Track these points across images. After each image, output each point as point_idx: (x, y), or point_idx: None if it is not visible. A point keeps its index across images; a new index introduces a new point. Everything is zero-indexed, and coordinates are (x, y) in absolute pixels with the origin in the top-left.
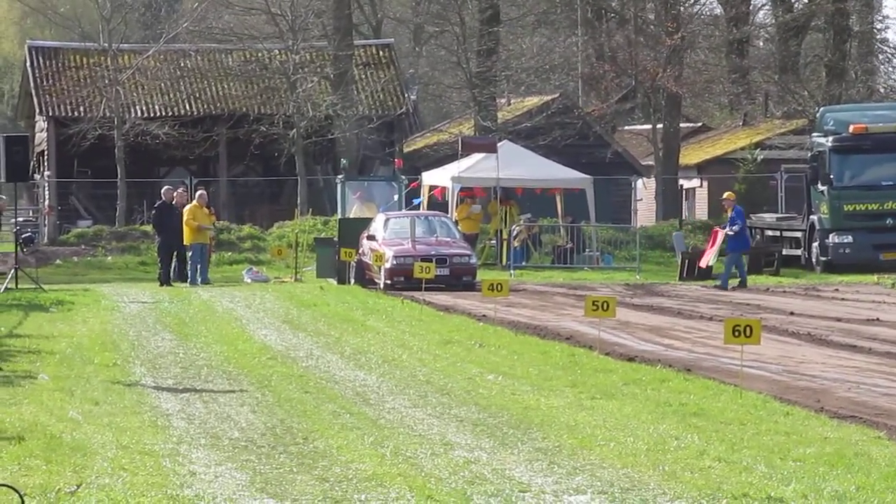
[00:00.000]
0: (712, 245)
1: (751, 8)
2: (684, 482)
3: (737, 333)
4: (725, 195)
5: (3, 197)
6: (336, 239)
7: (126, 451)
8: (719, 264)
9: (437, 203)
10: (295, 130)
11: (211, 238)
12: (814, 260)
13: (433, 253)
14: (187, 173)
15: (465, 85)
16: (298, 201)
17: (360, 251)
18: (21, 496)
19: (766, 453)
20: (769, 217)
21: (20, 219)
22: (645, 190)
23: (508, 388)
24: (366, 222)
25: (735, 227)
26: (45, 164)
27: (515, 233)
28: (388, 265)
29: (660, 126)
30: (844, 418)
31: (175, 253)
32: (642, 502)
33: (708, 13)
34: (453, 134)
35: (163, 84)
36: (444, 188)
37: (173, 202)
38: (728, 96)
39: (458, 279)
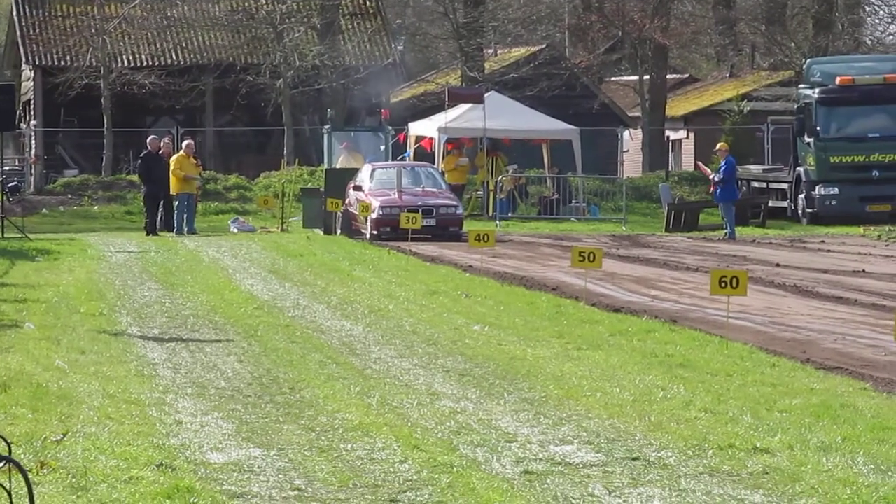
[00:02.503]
0: (705, 171)
1: None
2: (670, 433)
3: (723, 285)
4: (719, 146)
5: None
6: (322, 189)
7: (112, 400)
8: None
9: (425, 154)
10: (282, 80)
11: (197, 188)
12: (800, 211)
13: (419, 203)
14: (174, 123)
15: (452, 35)
16: (285, 151)
17: (347, 201)
18: (7, 444)
19: (751, 404)
20: (755, 168)
21: (6, 168)
22: (631, 141)
23: (494, 339)
24: (352, 173)
25: (716, 176)
26: (32, 113)
27: (502, 184)
28: (374, 215)
29: (646, 77)
30: (830, 369)
31: (161, 202)
32: (628, 452)
33: None
34: (440, 84)
35: (149, 34)
36: (431, 139)
37: (159, 152)
38: (715, 48)
39: (445, 229)
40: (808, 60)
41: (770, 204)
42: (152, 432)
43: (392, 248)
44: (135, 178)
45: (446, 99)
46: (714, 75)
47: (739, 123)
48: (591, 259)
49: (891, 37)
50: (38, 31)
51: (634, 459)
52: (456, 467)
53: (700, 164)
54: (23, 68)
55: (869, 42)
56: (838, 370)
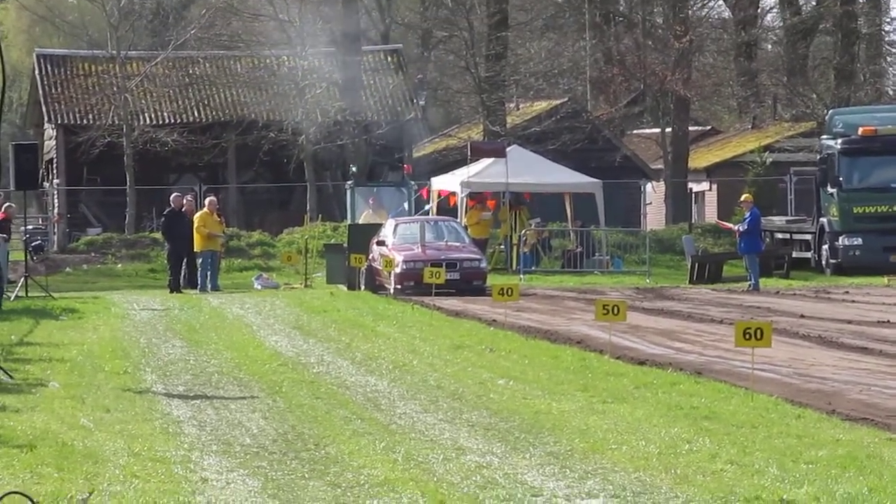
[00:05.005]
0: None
1: (759, 11)
2: (696, 485)
3: (747, 336)
4: (743, 197)
5: (13, 205)
6: (346, 245)
7: (138, 459)
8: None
9: (447, 209)
10: (304, 136)
11: (221, 245)
12: (824, 262)
13: (443, 257)
14: (197, 180)
15: (474, 90)
16: (308, 207)
17: (371, 257)
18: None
19: (777, 456)
20: (779, 220)
21: (30, 227)
22: (654, 193)
23: (519, 393)
24: (375, 228)
25: (740, 228)
26: (55, 171)
27: (525, 238)
28: (397, 270)
29: (669, 129)
30: (856, 420)
31: (185, 260)
32: None
33: (716, 16)
34: (462, 139)
35: (171, 91)
36: (454, 194)
37: (182, 209)
38: (737, 99)
39: (469, 283)
40: (831, 111)
41: (794, 255)
42: (178, 490)
43: (416, 303)
44: (158, 235)
45: (469, 153)
46: (736, 127)
47: (762, 175)
48: (616, 312)
49: None
50: (60, 89)
51: None
52: None
53: (719, 220)
54: (45, 127)
55: (891, 92)
56: (864, 421)
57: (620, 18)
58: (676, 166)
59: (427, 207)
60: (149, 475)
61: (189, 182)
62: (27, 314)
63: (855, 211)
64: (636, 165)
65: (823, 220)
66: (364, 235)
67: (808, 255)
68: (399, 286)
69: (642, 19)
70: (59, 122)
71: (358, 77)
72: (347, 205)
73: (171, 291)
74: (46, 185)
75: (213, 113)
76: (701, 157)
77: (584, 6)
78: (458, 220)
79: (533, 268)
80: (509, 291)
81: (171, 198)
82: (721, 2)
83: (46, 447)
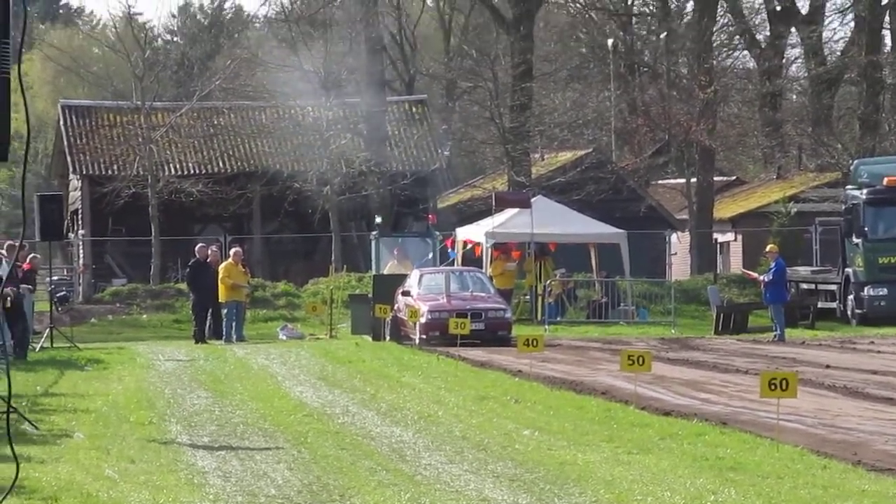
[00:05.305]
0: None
1: (784, 61)
2: None
3: (773, 387)
4: (769, 247)
5: (38, 256)
6: (370, 295)
7: None
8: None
9: (472, 259)
10: (329, 187)
11: (246, 295)
12: (849, 312)
13: (468, 307)
14: (221, 230)
15: (499, 140)
16: (333, 258)
17: (396, 307)
18: None
19: None
20: (804, 270)
21: (55, 278)
22: (679, 244)
23: (545, 444)
24: (400, 278)
25: (766, 278)
26: (80, 222)
27: (550, 288)
28: (423, 320)
29: (693, 180)
30: (882, 471)
31: (210, 310)
32: None
33: (741, 66)
34: (487, 189)
35: (196, 142)
36: (479, 244)
37: (207, 260)
38: (761, 149)
39: (494, 333)
40: (855, 161)
41: (819, 305)
42: None
43: (441, 354)
44: (183, 286)
45: (493, 204)
46: (761, 177)
47: (787, 225)
48: (641, 362)
49: None
50: (84, 140)
51: None
52: None
53: (745, 270)
54: (70, 178)
55: None
56: (890, 472)
57: (645, 69)
58: (701, 216)
59: (451, 256)
60: None
61: (214, 232)
62: (52, 365)
63: (880, 261)
64: (661, 216)
65: (849, 270)
66: (389, 286)
67: (834, 305)
68: (424, 336)
69: (667, 70)
70: (83, 172)
71: (382, 127)
72: (372, 255)
73: (196, 342)
74: (71, 235)
75: (238, 163)
76: (726, 208)
77: (608, 57)
78: (483, 270)
79: (558, 318)
80: (534, 342)
81: (196, 248)
82: (746, 52)
83: (71, 498)
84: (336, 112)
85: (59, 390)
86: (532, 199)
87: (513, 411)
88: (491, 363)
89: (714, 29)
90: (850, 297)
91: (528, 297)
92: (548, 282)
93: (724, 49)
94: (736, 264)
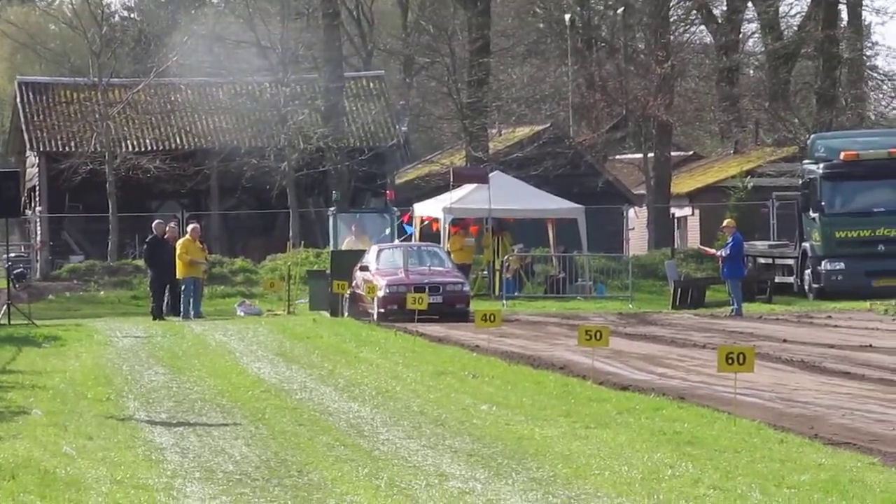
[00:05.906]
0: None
1: (741, 36)
2: None
3: (730, 361)
4: (725, 222)
5: None
6: (328, 271)
7: (120, 486)
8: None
9: (430, 234)
10: (286, 163)
11: (203, 272)
12: (806, 287)
13: (426, 281)
14: (179, 207)
15: (456, 116)
16: (290, 234)
17: (353, 283)
18: None
19: (760, 481)
20: (761, 245)
21: (12, 254)
22: (636, 219)
23: (502, 419)
24: (358, 254)
25: (723, 253)
26: (37, 199)
27: (508, 263)
28: (380, 294)
29: (651, 155)
30: (839, 445)
31: (167, 287)
32: None
33: (698, 41)
34: (444, 165)
35: (153, 118)
36: (436, 220)
37: (164, 236)
38: (719, 124)
39: (452, 307)
40: (813, 136)
41: (776, 280)
42: None
43: (399, 330)
44: (140, 262)
45: (451, 179)
46: (718, 152)
47: (744, 200)
48: (598, 337)
49: (894, 111)
50: (41, 117)
51: None
52: None
53: (701, 246)
54: (27, 154)
55: (872, 117)
56: (847, 445)
57: (602, 44)
58: (659, 191)
59: (409, 232)
60: (132, 503)
61: (171, 209)
62: (9, 342)
63: (837, 235)
64: (618, 191)
65: (806, 244)
66: (347, 262)
67: (791, 279)
68: (382, 310)
69: (624, 45)
70: (41, 149)
71: (340, 103)
72: (330, 231)
73: (154, 318)
74: (29, 212)
75: (196, 140)
76: (683, 183)
77: (565, 32)
78: (441, 245)
79: (516, 293)
80: (492, 317)
81: (154, 225)
82: (703, 27)
83: (29, 475)
84: (293, 88)
85: (16, 367)
86: (490, 175)
87: (470, 386)
88: (448, 338)
89: (671, 4)
90: (808, 271)
91: (485, 272)
92: (505, 257)
93: (682, 24)
94: (693, 239)
